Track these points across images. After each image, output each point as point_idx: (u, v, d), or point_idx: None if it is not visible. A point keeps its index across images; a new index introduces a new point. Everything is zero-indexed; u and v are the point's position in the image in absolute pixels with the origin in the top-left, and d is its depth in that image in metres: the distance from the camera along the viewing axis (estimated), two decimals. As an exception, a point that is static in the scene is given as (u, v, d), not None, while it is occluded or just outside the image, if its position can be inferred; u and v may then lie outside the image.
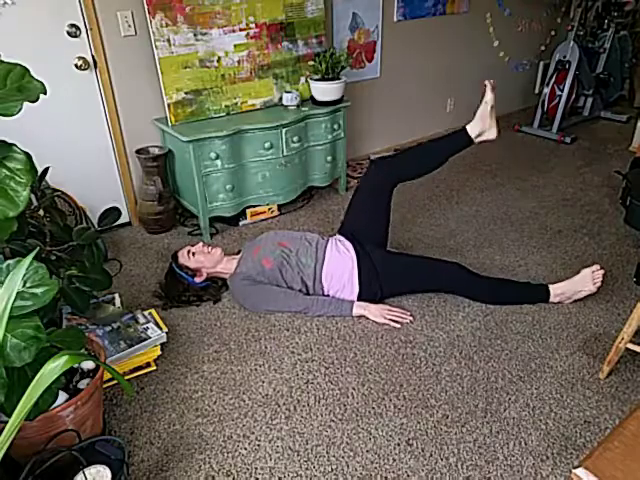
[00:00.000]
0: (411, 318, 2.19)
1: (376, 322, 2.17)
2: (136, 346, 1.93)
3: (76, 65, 2.58)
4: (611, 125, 4.69)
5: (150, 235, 2.97)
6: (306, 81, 3.17)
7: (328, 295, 2.29)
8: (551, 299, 2.24)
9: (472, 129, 2.31)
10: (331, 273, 2.24)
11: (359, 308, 2.20)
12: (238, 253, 2.47)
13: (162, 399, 1.83)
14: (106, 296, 2.28)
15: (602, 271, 2.20)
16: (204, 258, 2.34)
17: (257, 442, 1.65)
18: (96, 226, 2.50)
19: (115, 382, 1.88)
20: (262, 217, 3.10)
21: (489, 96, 2.28)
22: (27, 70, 1.26)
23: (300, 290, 2.26)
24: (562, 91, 4.25)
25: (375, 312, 2.19)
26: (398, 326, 2.14)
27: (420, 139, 4.37)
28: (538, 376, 1.89)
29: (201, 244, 2.39)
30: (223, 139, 2.68)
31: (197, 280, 2.34)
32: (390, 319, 2.16)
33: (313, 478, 1.53)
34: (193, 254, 2.34)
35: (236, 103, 2.96)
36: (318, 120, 3.03)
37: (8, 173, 1.24)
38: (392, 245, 2.77)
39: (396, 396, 1.81)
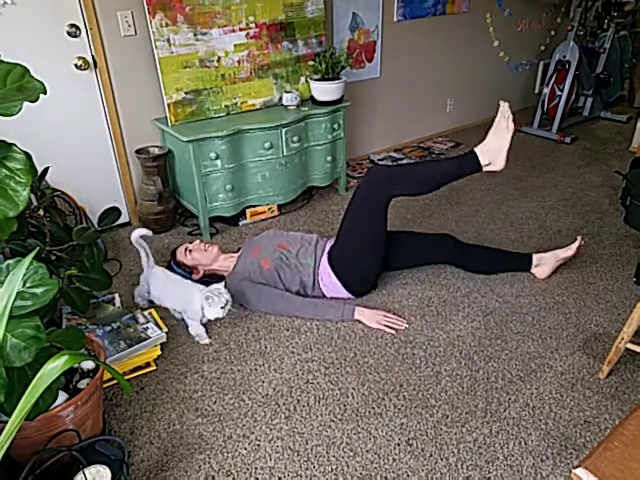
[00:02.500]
0: (406, 325, 2.16)
1: (370, 327, 2.15)
2: (136, 346, 1.93)
3: (76, 65, 2.58)
4: (611, 125, 4.69)
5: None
6: (306, 81, 3.17)
7: (324, 296, 2.30)
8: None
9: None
10: (328, 272, 2.25)
11: (359, 313, 2.18)
12: (238, 251, 2.48)
13: (162, 399, 1.83)
14: (106, 296, 2.29)
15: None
16: (200, 255, 2.35)
17: (257, 442, 1.65)
18: (96, 226, 2.51)
19: (115, 382, 1.88)
20: (262, 217, 3.10)
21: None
22: (27, 70, 1.26)
23: (298, 291, 2.27)
24: (562, 91, 4.25)
25: (370, 317, 2.16)
26: (392, 332, 2.12)
27: (420, 139, 4.37)
28: (538, 376, 1.89)
29: (198, 241, 2.41)
30: (223, 139, 2.68)
31: (194, 277, 2.34)
32: (385, 325, 2.14)
33: (313, 478, 1.53)
34: (190, 251, 2.36)
35: (236, 103, 2.96)
36: (318, 120, 3.03)
37: (8, 173, 1.24)
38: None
39: (396, 396, 1.81)
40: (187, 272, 2.34)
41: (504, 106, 2.04)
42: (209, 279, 2.39)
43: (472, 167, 2.09)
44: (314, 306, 2.20)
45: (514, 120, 2.08)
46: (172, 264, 2.37)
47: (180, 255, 2.37)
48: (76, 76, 2.61)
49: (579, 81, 4.41)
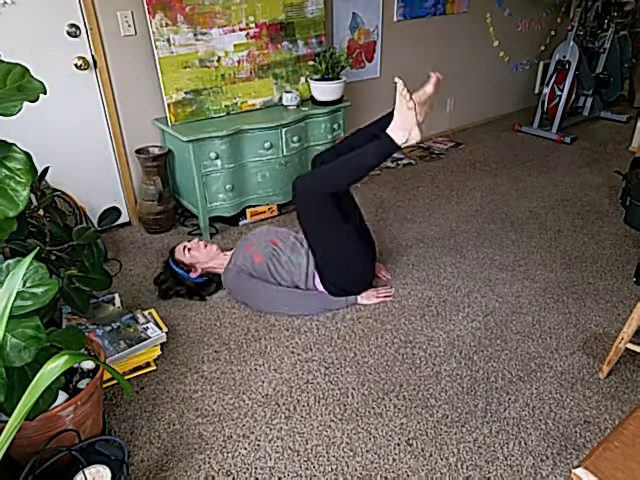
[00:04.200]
0: (393, 291, 2.39)
1: (371, 303, 2.30)
2: (136, 346, 1.93)
3: (76, 65, 2.58)
4: (611, 125, 4.69)
5: (150, 235, 2.97)
6: (306, 81, 3.17)
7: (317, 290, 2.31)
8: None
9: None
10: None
11: (360, 297, 2.29)
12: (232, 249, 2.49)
13: (162, 399, 1.83)
14: (106, 296, 2.29)
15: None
16: (199, 254, 2.37)
17: (257, 442, 1.65)
18: (96, 226, 2.50)
19: (115, 382, 1.88)
20: (262, 217, 3.10)
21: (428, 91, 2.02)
22: (27, 70, 1.26)
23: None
24: (562, 91, 4.25)
25: (368, 297, 2.30)
26: (390, 299, 2.33)
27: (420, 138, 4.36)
28: (538, 376, 1.89)
29: (196, 240, 2.43)
30: (223, 139, 2.68)
31: (192, 275, 2.36)
32: (383, 296, 2.32)
33: (313, 478, 1.53)
34: (189, 250, 2.38)
35: (236, 103, 2.96)
36: (318, 120, 3.03)
37: (8, 173, 1.24)
38: (392, 245, 2.78)
39: (396, 396, 1.81)
40: (185, 270, 2.35)
41: (400, 85, 2.01)
42: (207, 277, 2.40)
43: (391, 149, 2.06)
44: (316, 298, 2.23)
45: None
46: (170, 262, 2.38)
47: (179, 254, 2.38)
48: (76, 76, 2.61)
49: (579, 81, 4.40)
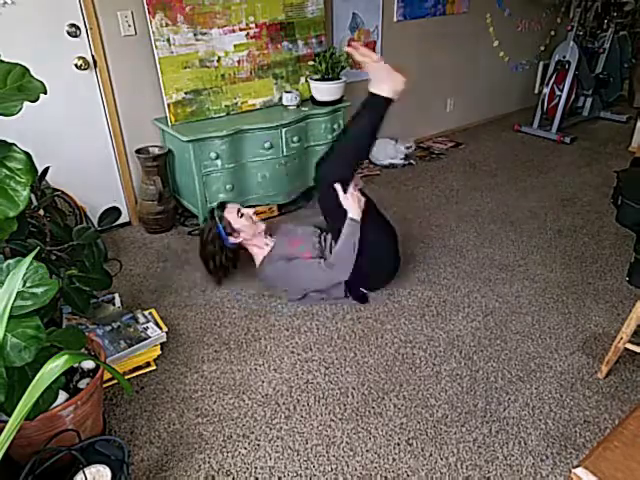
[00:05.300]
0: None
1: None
2: (136, 346, 1.93)
3: (76, 65, 2.58)
4: (611, 125, 4.69)
5: (150, 235, 2.97)
6: (306, 81, 3.17)
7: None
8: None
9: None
10: None
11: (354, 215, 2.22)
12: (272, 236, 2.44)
13: (162, 399, 1.83)
14: (106, 296, 2.28)
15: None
16: (248, 223, 2.31)
17: (257, 442, 1.65)
18: (96, 226, 2.50)
19: (115, 382, 1.88)
20: (262, 217, 3.09)
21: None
22: (27, 70, 1.26)
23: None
24: (562, 91, 4.25)
25: (356, 210, 2.21)
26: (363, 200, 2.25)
27: (420, 139, 4.36)
28: (538, 376, 1.90)
29: (252, 210, 2.38)
30: (223, 139, 2.68)
31: (231, 240, 2.30)
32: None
33: (313, 478, 1.53)
34: (242, 215, 2.31)
35: (236, 103, 2.96)
36: (318, 120, 3.03)
37: (8, 173, 1.24)
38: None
39: (396, 396, 1.81)
40: (226, 232, 2.28)
41: (352, 50, 2.15)
42: (241, 250, 2.38)
43: (383, 103, 2.12)
44: (342, 245, 2.19)
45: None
46: (216, 215, 2.31)
47: (230, 214, 2.30)
48: (76, 76, 2.61)
49: (579, 81, 4.40)
